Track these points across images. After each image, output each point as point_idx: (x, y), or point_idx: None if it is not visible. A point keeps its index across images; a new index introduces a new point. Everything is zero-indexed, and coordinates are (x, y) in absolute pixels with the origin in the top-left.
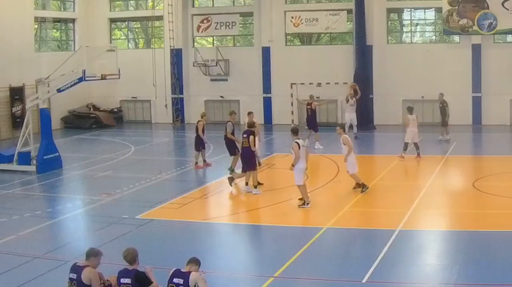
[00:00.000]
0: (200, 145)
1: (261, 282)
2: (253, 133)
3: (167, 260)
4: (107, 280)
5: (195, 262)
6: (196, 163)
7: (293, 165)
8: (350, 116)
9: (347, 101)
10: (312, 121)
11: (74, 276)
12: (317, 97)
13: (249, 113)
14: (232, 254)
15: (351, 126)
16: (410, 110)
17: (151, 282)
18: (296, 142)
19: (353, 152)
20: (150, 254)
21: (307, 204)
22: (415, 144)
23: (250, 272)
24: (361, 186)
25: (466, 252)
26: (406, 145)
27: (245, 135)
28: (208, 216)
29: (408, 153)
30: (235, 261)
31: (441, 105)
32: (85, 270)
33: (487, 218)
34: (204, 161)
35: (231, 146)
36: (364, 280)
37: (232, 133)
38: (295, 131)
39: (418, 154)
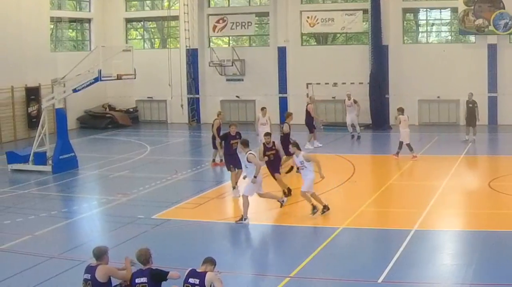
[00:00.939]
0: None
1: (277, 282)
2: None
3: (182, 260)
4: (124, 281)
5: (211, 261)
6: (213, 160)
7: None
8: (350, 116)
9: (345, 102)
10: (308, 122)
11: (88, 276)
12: (333, 97)
13: (263, 108)
14: (248, 254)
15: (353, 126)
16: (401, 111)
17: (166, 276)
18: (251, 153)
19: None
20: (166, 254)
21: (245, 219)
22: (408, 145)
23: (266, 272)
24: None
25: (482, 252)
26: (400, 143)
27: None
28: (224, 216)
29: (407, 153)
30: (251, 261)
31: (471, 105)
32: (99, 268)
33: (503, 218)
34: (221, 159)
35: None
36: (379, 280)
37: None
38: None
39: (414, 156)
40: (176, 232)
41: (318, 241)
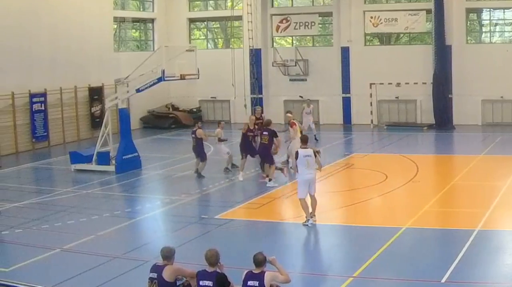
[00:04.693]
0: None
1: (340, 282)
2: (275, 133)
3: (246, 260)
4: (186, 281)
5: (263, 260)
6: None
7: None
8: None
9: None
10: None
11: (154, 275)
12: (396, 97)
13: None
14: (311, 254)
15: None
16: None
17: (230, 284)
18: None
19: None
20: (229, 254)
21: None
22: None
23: (329, 272)
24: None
25: None
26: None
27: (265, 133)
28: (287, 216)
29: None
30: (313, 261)
31: None
32: (166, 268)
33: None
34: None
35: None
36: (443, 280)
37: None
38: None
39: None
40: (239, 232)
41: (381, 241)
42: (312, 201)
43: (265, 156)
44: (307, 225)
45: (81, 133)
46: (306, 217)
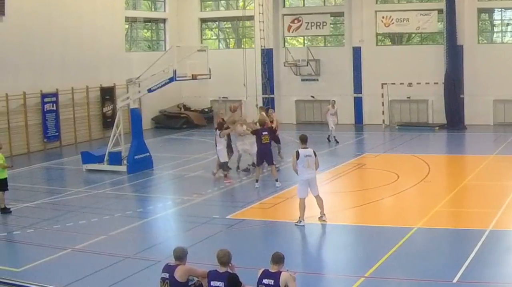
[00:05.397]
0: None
1: (351, 282)
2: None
3: (257, 260)
4: (198, 281)
5: (282, 260)
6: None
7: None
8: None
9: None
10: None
11: (166, 275)
12: (408, 97)
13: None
14: (323, 254)
15: None
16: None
17: (241, 284)
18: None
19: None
20: (240, 254)
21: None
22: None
23: (340, 272)
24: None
25: None
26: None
27: (265, 133)
28: (298, 216)
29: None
30: (325, 261)
31: None
32: (179, 268)
33: None
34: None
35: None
36: (454, 280)
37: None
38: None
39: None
40: (251, 232)
41: (392, 241)
42: (318, 202)
43: (265, 156)
44: (299, 225)
45: (92, 133)
46: (299, 217)
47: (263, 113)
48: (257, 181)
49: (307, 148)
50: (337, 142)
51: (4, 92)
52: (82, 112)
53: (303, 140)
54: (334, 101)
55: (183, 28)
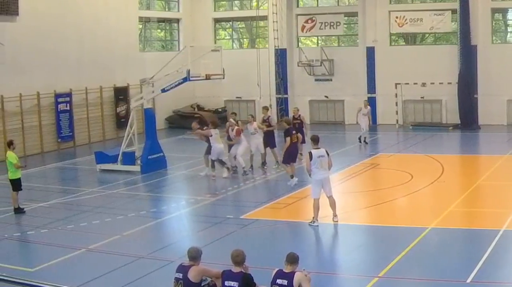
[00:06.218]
0: None
1: (365, 282)
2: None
3: (270, 260)
4: (212, 281)
5: (296, 260)
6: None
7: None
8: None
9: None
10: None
11: (180, 275)
12: (421, 97)
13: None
14: (336, 254)
15: None
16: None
17: (255, 285)
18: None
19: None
20: (254, 254)
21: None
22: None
23: (354, 272)
24: None
25: None
26: None
27: (294, 132)
28: (312, 216)
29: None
30: (339, 261)
31: None
32: (192, 269)
33: None
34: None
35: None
36: (468, 280)
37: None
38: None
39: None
40: (264, 232)
41: (406, 241)
42: (330, 202)
43: (292, 155)
44: (313, 225)
45: (106, 133)
46: (313, 217)
47: (285, 117)
48: (292, 176)
49: (319, 148)
50: (366, 143)
51: (18, 92)
52: (96, 112)
53: (315, 140)
54: (367, 101)
55: (197, 28)
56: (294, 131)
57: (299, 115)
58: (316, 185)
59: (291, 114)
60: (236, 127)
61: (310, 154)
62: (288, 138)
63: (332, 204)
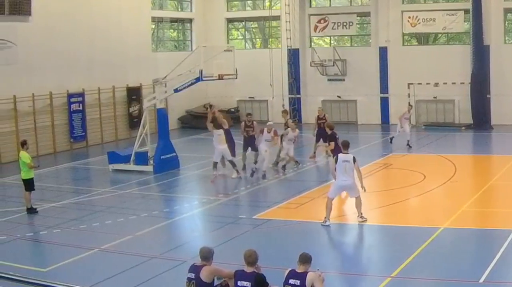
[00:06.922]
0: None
1: (378, 282)
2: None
3: (283, 260)
4: (224, 281)
5: (309, 260)
6: (314, 152)
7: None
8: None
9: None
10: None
11: (192, 275)
12: (434, 97)
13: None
14: (349, 253)
15: None
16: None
17: (268, 285)
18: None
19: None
20: (266, 254)
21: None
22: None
23: (367, 272)
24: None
25: None
26: None
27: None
28: (324, 216)
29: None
30: (351, 261)
31: None
32: (204, 269)
33: None
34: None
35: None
36: (481, 280)
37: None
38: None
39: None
40: (277, 232)
41: (419, 241)
42: (356, 203)
43: None
44: (324, 225)
45: (119, 133)
46: (325, 217)
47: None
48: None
49: (348, 153)
50: (410, 147)
51: (30, 92)
52: (108, 112)
53: (345, 146)
54: (411, 106)
55: (209, 28)
56: (337, 136)
57: (324, 115)
58: (336, 188)
59: (305, 115)
60: (273, 129)
61: (337, 157)
62: (332, 143)
63: (358, 204)
